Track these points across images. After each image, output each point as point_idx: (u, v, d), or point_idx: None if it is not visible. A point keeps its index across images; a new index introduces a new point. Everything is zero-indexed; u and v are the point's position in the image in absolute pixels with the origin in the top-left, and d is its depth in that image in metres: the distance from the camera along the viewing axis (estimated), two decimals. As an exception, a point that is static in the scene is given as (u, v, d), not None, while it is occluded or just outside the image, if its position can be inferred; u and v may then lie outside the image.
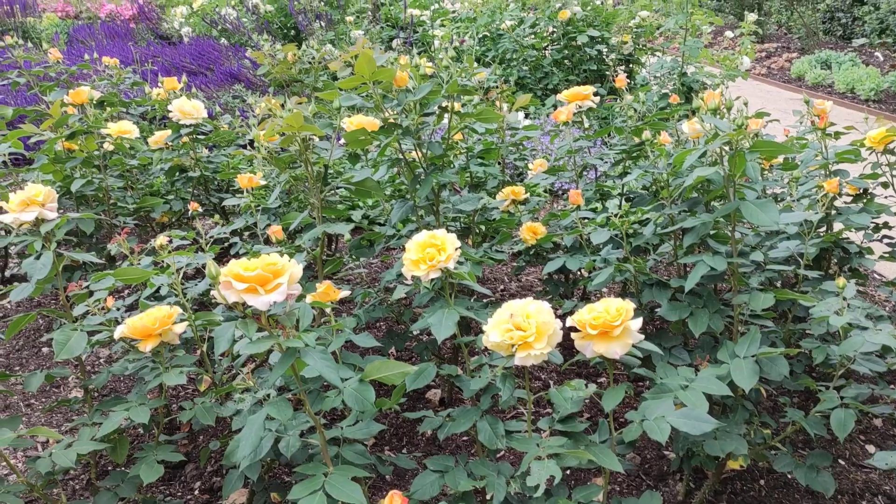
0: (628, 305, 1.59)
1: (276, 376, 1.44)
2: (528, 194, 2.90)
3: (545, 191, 4.62)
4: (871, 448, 2.51)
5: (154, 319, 1.72)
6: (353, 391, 1.53)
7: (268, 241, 2.42)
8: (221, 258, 3.25)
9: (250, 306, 1.41)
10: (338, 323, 1.72)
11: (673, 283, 2.09)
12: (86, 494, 2.16)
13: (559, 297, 2.78)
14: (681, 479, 2.31)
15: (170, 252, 1.98)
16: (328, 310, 1.82)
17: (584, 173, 3.01)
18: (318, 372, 1.43)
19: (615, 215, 2.14)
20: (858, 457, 2.46)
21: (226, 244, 2.63)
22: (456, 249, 1.67)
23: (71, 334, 1.72)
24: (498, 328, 1.51)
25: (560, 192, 4.86)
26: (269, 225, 2.62)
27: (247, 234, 2.93)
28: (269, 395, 1.70)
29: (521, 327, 1.49)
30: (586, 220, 2.46)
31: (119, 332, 1.74)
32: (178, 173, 3.32)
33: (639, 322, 1.59)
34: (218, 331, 1.46)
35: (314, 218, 2.08)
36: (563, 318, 1.63)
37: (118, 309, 2.02)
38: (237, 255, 2.51)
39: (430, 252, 1.66)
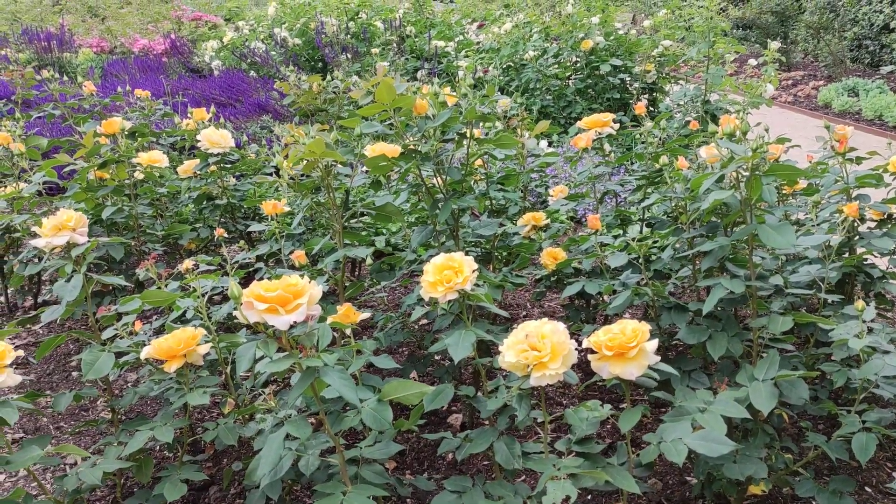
0: (644, 327, 1.61)
1: (295, 395, 1.47)
2: (550, 220, 2.92)
3: (568, 218, 4.64)
4: (898, 476, 2.47)
5: (179, 340, 1.76)
6: (372, 411, 1.56)
7: (291, 267, 2.47)
8: (246, 283, 3.31)
9: (271, 326, 1.45)
10: (357, 344, 1.75)
11: (692, 307, 2.10)
12: None
13: (580, 321, 2.79)
14: (703, 505, 2.29)
15: (196, 276, 2.04)
16: (348, 331, 1.86)
17: (606, 199, 3.03)
18: (337, 392, 1.46)
19: (634, 240, 2.16)
20: (885, 483, 2.42)
21: (251, 269, 2.68)
22: (473, 272, 1.70)
23: (99, 355, 1.77)
24: (513, 349, 1.53)
25: (581, 219, 4.88)
26: (293, 251, 2.67)
27: (271, 260, 2.99)
28: (289, 416, 1.73)
29: (536, 347, 1.51)
30: (605, 245, 2.48)
31: (145, 352, 1.78)
32: (205, 201, 3.40)
33: (654, 343, 1.61)
34: (240, 350, 1.49)
35: (336, 243, 2.12)
36: (581, 344, 1.64)
37: (145, 332, 2.07)
38: (261, 280, 2.56)
39: (447, 274, 1.69)
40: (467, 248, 2.26)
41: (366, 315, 1.87)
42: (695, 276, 2.24)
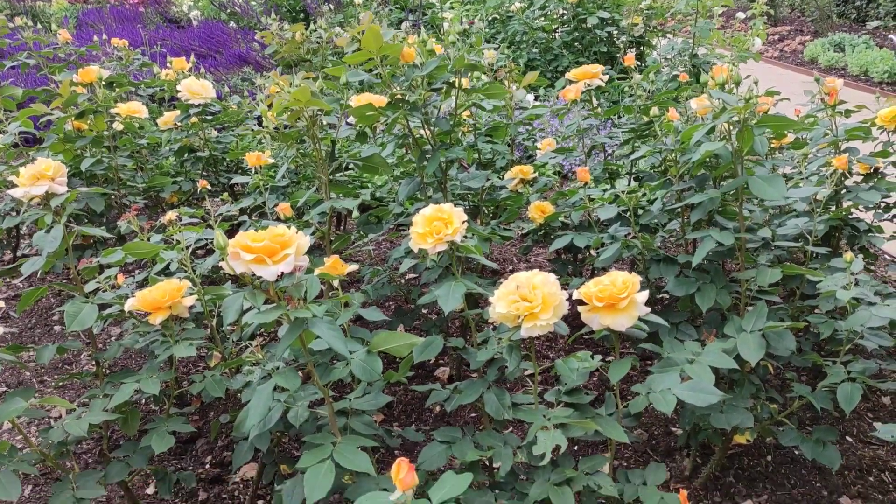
0: (634, 278, 1.60)
1: (283, 347, 1.46)
2: (537, 174, 2.90)
3: (554, 172, 4.61)
4: (879, 426, 2.51)
5: (163, 292, 1.73)
6: (361, 362, 1.54)
7: (276, 219, 2.43)
8: (230, 236, 3.27)
9: (258, 277, 1.43)
10: (345, 296, 1.73)
11: (680, 259, 2.09)
12: (99, 466, 2.19)
13: (567, 275, 2.78)
14: (688, 455, 2.32)
15: (179, 229, 2.00)
16: (336, 284, 1.84)
17: (594, 153, 3.01)
18: (327, 343, 1.44)
19: (624, 192, 2.14)
20: (866, 434, 2.46)
21: (235, 222, 2.64)
22: (463, 223, 1.68)
23: (82, 307, 1.74)
24: (504, 299, 1.52)
25: (569, 174, 4.86)
26: (277, 203, 2.63)
27: (256, 213, 2.95)
28: (277, 368, 1.72)
29: (527, 298, 1.49)
30: (594, 199, 2.46)
31: (130, 304, 1.76)
32: (187, 154, 3.34)
33: (645, 295, 1.60)
34: (227, 301, 1.47)
35: (322, 195, 2.09)
36: (571, 297, 1.63)
37: (128, 285, 2.04)
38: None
39: (436, 225, 1.66)
40: (455, 202, 2.23)
41: (353, 267, 1.85)
42: (683, 229, 2.23)
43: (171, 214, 2.05)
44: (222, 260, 1.45)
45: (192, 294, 1.83)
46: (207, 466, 2.35)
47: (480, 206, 2.55)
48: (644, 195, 2.80)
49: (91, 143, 2.94)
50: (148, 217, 3.22)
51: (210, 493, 2.22)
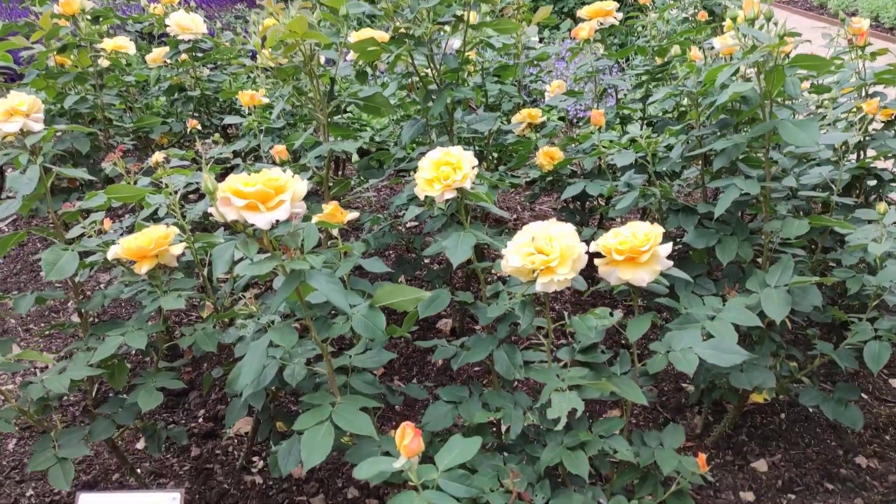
0: (657, 230, 1.49)
1: (279, 301, 1.35)
2: (545, 118, 2.76)
3: (560, 118, 4.46)
4: (894, 383, 2.43)
5: (150, 239, 1.61)
6: (363, 317, 1.43)
7: (272, 163, 2.30)
8: (223, 181, 3.14)
9: (251, 225, 1.31)
10: (345, 246, 1.62)
11: (700, 209, 1.97)
12: (85, 420, 2.10)
13: (575, 224, 2.66)
14: (699, 413, 2.24)
15: (167, 171, 1.86)
16: (335, 232, 1.72)
17: (605, 98, 2.86)
18: (325, 297, 1.33)
19: (641, 137, 2.01)
20: (881, 391, 2.38)
21: (227, 165, 2.51)
22: (473, 168, 1.55)
23: (61, 254, 1.62)
24: (518, 252, 1.40)
25: (575, 120, 4.70)
26: (272, 146, 2.50)
27: (251, 157, 2.81)
28: (272, 322, 1.61)
29: (543, 251, 1.38)
30: (609, 143, 2.32)
31: (113, 252, 1.64)
32: (177, 93, 3.18)
33: (668, 248, 1.49)
34: (216, 251, 1.35)
35: (320, 137, 1.95)
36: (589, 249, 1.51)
37: (115, 231, 1.92)
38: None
39: (444, 171, 1.54)
40: (461, 146, 2.10)
41: (353, 215, 1.73)
42: (701, 177, 2.10)
43: (158, 156, 1.92)
44: (212, 205, 1.34)
45: (181, 242, 1.71)
46: (200, 420, 2.27)
47: (486, 152, 2.42)
48: (659, 136, 2.66)
49: (75, 79, 2.78)
50: (137, 159, 3.07)
51: (203, 449, 2.14)
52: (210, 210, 1.35)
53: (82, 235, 1.82)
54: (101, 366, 1.63)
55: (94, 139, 2.86)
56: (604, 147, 2.23)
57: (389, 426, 2.14)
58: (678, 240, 2.14)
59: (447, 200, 1.55)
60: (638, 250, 1.46)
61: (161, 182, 1.98)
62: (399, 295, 1.47)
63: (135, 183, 2.15)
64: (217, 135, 2.45)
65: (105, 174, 2.30)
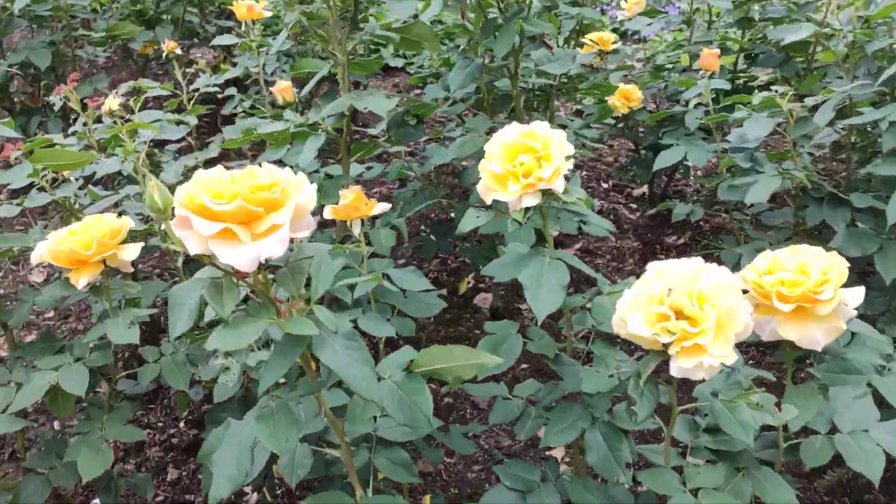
0: (838, 263, 0.98)
1: (269, 380, 0.86)
2: (618, 45, 2.19)
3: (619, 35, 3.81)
4: None
5: (89, 240, 1.11)
6: (399, 394, 0.95)
7: (272, 104, 1.76)
8: (212, 123, 2.58)
9: (227, 266, 0.83)
10: (361, 247, 1.11)
11: (856, 201, 1.44)
12: (12, 469, 1.64)
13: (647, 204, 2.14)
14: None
15: (122, 128, 1.32)
16: (356, 228, 1.22)
17: (697, 20, 2.26)
18: (341, 376, 0.85)
19: (778, 93, 1.45)
20: None
21: (218, 96, 1.96)
22: (567, 158, 1.03)
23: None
24: (644, 310, 0.90)
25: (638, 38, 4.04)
26: (274, 75, 1.95)
27: (250, 90, 2.23)
28: (261, 363, 1.13)
29: (687, 315, 0.87)
30: (722, 96, 1.75)
31: (36, 256, 1.14)
32: (163, -9, 2.60)
33: (860, 293, 0.98)
34: (174, 296, 0.86)
35: (339, 79, 1.41)
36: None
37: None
38: (232, 119, 1.86)
39: (525, 162, 1.02)
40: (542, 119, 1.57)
41: (382, 208, 1.21)
42: (848, 156, 1.56)
43: (112, 102, 1.38)
44: (163, 226, 0.84)
45: (137, 238, 1.21)
46: (182, 425, 1.83)
47: (551, 97, 1.86)
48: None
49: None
50: (113, 80, 2.51)
51: (183, 471, 1.70)
52: (163, 226, 0.86)
53: None
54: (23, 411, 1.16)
55: (55, 50, 2.31)
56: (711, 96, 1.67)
57: (423, 488, 1.67)
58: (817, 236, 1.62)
59: (527, 208, 1.03)
60: (813, 297, 0.96)
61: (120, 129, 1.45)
62: (450, 359, 0.97)
63: (96, 122, 1.64)
64: (202, 61, 1.89)
65: (55, 109, 1.77)
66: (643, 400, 0.94)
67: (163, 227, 1.04)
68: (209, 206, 0.79)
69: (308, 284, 0.89)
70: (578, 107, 2.76)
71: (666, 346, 0.88)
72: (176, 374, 1.22)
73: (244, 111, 1.87)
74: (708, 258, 0.95)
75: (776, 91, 1.46)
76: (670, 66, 2.98)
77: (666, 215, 2.38)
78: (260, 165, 0.84)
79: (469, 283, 2.27)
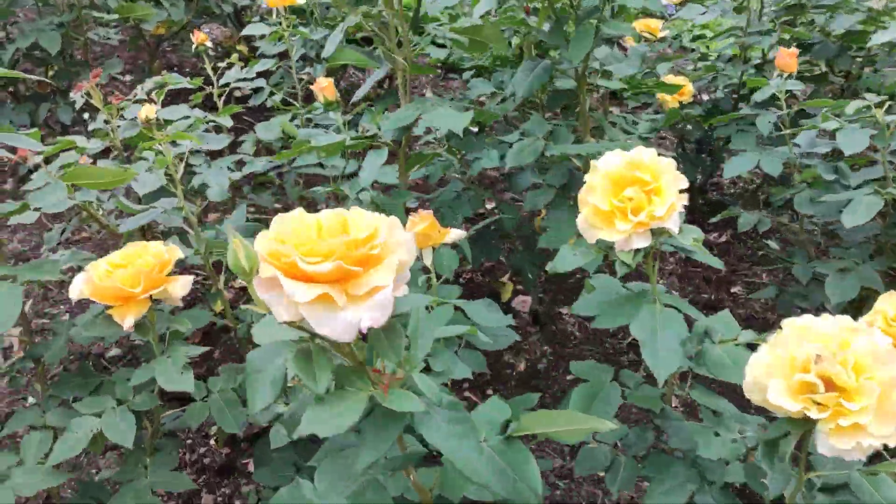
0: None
1: (367, 460, 0.75)
2: (668, 31, 2.07)
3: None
4: None
5: (136, 276, 0.99)
6: (498, 463, 0.84)
7: (308, 99, 1.63)
8: (243, 119, 2.42)
9: (319, 336, 0.72)
10: (432, 278, 1.00)
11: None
12: None
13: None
14: None
15: (165, 137, 1.19)
16: (429, 261, 1.10)
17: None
18: (446, 454, 0.74)
19: (874, 105, 1.33)
20: None
21: (250, 88, 1.80)
22: (681, 192, 0.92)
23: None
24: (785, 376, 0.79)
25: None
26: (310, 64, 1.82)
27: (278, 83, 2.06)
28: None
29: (840, 386, 0.77)
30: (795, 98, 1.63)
31: (76, 291, 1.02)
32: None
33: None
34: (252, 364, 0.74)
35: (398, 86, 1.28)
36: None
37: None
38: (262, 110, 1.72)
39: (633, 197, 0.90)
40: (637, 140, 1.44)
41: (457, 235, 1.10)
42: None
43: (148, 109, 1.25)
44: (247, 286, 0.73)
45: (187, 271, 1.10)
46: (213, 443, 1.72)
47: (605, 96, 1.73)
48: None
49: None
50: (126, 62, 2.35)
51: (217, 497, 1.60)
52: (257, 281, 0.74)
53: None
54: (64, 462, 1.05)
55: (66, 33, 2.16)
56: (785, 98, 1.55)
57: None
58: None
59: (636, 250, 0.91)
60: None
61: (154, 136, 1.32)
62: (559, 423, 0.86)
63: (119, 114, 1.52)
64: (235, 55, 1.74)
65: (74, 105, 1.63)
66: (778, 475, 0.84)
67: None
68: (302, 266, 0.68)
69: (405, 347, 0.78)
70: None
71: (811, 417, 0.78)
72: (227, 416, 1.11)
73: (276, 105, 1.73)
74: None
75: (869, 101, 1.35)
76: (705, 49, 2.86)
77: (706, 211, 2.28)
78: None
79: (504, 283, 2.16)
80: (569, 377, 1.93)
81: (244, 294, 1.87)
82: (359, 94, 1.36)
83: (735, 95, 2.15)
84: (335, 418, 0.71)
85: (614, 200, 0.91)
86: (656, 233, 0.92)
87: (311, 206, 2.56)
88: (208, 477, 1.64)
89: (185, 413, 1.13)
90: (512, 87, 1.32)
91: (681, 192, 0.91)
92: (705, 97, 2.45)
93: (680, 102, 2.01)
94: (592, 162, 0.94)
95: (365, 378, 0.76)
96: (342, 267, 0.68)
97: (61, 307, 2.06)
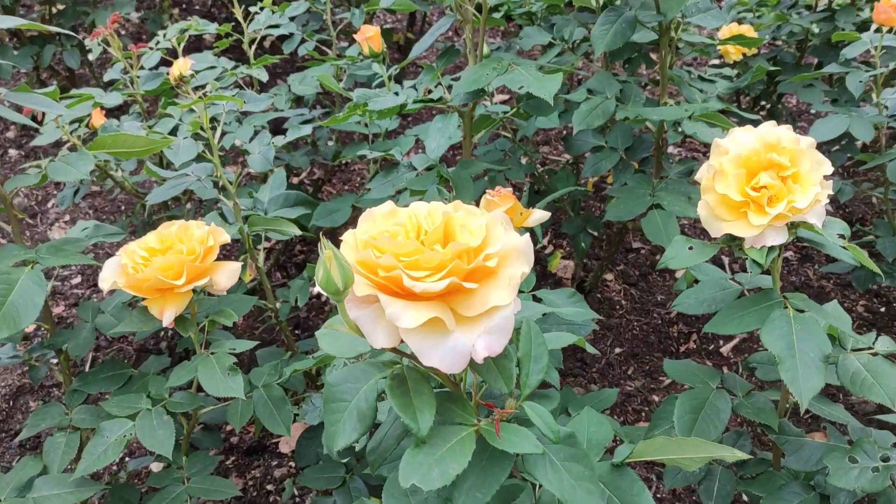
0: None
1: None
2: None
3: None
4: None
5: (178, 266, 0.86)
6: (605, 493, 0.72)
7: (339, 52, 1.47)
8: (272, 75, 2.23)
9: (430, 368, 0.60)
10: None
11: None
12: None
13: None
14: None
15: (201, 98, 1.03)
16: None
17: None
18: (563, 500, 0.63)
19: None
20: None
21: (278, 32, 1.63)
22: (826, 179, 0.78)
23: (12, 279, 0.86)
24: None
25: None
26: (346, 7, 1.65)
27: (313, 28, 1.86)
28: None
29: None
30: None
31: (106, 282, 0.88)
32: None
33: None
34: (332, 392, 0.62)
35: (466, 41, 1.12)
36: None
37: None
38: (293, 59, 1.55)
39: (769, 185, 0.76)
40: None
41: (541, 216, 0.95)
42: None
43: (183, 64, 1.09)
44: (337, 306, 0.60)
45: (234, 254, 0.96)
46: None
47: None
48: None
49: None
50: (141, 16, 2.15)
51: (247, 479, 1.49)
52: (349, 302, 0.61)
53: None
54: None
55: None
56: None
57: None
58: None
59: (770, 247, 0.78)
60: None
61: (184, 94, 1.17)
62: (681, 450, 0.74)
63: (140, 63, 1.37)
64: (266, -2, 1.56)
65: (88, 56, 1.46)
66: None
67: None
68: (408, 283, 0.55)
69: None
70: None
71: None
72: (274, 416, 0.99)
73: (309, 54, 1.57)
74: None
75: None
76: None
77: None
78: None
79: (547, 248, 2.03)
80: (617, 350, 1.82)
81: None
82: (418, 48, 1.19)
83: (798, 48, 1.99)
84: (439, 465, 0.59)
85: (748, 189, 0.77)
86: (792, 226, 0.79)
87: (347, 170, 2.39)
88: (237, 458, 1.54)
89: (227, 412, 1.00)
90: (593, 42, 1.16)
91: (825, 178, 0.78)
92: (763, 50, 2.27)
93: (743, 54, 1.86)
94: (717, 140, 0.80)
95: (468, 408, 0.64)
96: (454, 283, 0.55)
97: (79, 278, 1.91)
